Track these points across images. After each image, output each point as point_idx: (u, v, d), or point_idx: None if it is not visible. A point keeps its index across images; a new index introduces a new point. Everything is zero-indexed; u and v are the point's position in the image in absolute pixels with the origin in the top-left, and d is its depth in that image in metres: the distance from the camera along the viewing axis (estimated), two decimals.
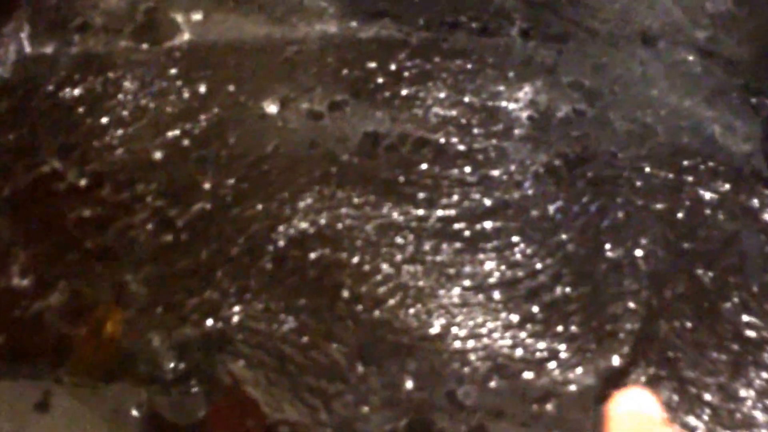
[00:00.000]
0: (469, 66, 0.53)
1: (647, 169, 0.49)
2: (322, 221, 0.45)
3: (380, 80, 0.52)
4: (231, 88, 0.50)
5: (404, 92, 0.51)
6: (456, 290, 0.43)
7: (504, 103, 0.51)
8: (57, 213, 0.44)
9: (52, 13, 0.53)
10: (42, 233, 0.43)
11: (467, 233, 0.45)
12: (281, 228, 0.44)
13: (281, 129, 0.48)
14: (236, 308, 0.41)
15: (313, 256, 0.43)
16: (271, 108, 0.50)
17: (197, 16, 0.53)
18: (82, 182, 0.45)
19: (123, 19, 0.53)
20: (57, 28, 0.52)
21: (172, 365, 0.40)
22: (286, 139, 0.48)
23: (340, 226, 0.45)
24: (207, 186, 0.45)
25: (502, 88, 0.52)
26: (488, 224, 0.46)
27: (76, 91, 0.49)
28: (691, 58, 0.55)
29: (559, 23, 0.55)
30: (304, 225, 0.44)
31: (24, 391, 0.39)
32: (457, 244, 0.45)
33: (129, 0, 0.54)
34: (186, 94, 0.50)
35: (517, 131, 0.50)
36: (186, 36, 0.53)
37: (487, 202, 0.47)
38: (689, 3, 0.57)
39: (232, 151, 0.47)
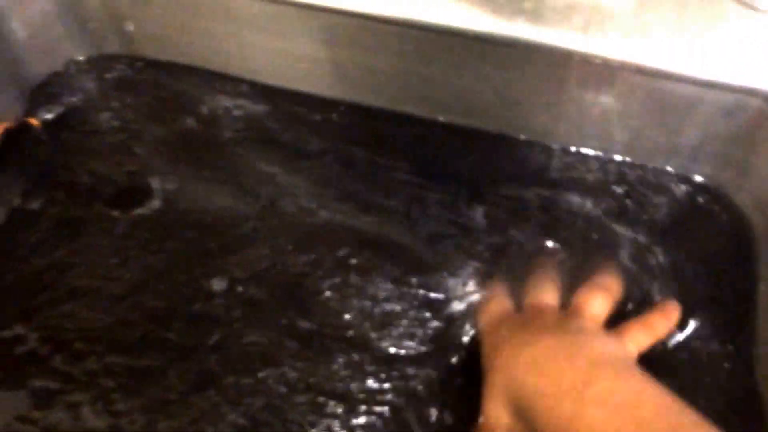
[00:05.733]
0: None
1: None
2: None
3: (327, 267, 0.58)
4: (185, 263, 0.58)
5: (350, 283, 0.58)
6: None
7: None
8: (14, 380, 0.52)
9: (45, 169, 0.62)
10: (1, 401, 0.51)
11: None
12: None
13: (224, 317, 0.55)
14: None
15: None
16: (221, 286, 0.57)
17: (172, 185, 0.61)
18: (39, 350, 0.53)
19: (106, 180, 0.61)
20: (46, 184, 0.61)
21: None
22: (229, 335, 0.55)
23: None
24: (150, 374, 0.52)
25: None
26: None
27: (47, 259, 0.57)
28: None
29: None
30: None
31: None
32: None
33: (115, 161, 0.62)
34: (144, 266, 0.57)
35: None
36: (156, 203, 0.60)
37: None
38: None
39: (178, 337, 0.54)
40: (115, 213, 0.60)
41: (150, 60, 0.68)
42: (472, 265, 0.58)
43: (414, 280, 0.58)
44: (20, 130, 0.63)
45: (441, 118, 0.65)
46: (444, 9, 0.57)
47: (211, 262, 0.58)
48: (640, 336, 0.51)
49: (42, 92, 0.66)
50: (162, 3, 0.62)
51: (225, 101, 0.66)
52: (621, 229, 0.60)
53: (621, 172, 0.62)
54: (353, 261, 0.59)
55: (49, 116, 0.65)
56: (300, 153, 0.64)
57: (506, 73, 0.57)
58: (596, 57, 0.54)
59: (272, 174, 0.63)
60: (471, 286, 0.57)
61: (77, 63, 0.68)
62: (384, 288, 0.57)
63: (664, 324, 0.53)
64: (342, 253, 0.59)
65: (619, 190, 0.61)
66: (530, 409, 0.45)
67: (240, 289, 0.57)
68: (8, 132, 0.62)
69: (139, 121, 0.65)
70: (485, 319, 0.54)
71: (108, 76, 0.67)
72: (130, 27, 0.66)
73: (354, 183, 0.63)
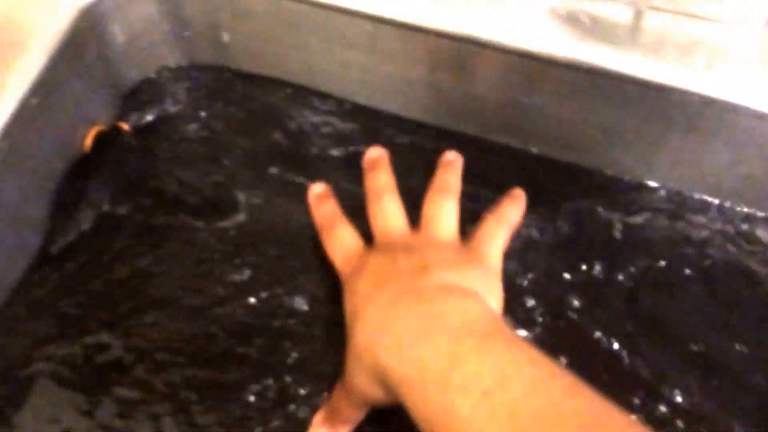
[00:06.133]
0: None
1: None
2: None
3: None
4: (267, 279, 0.57)
5: None
6: None
7: None
8: (98, 387, 0.52)
9: (133, 174, 0.62)
10: (84, 408, 0.51)
11: None
12: None
13: (304, 336, 0.54)
14: None
15: None
16: (302, 306, 0.56)
17: (257, 199, 0.61)
18: (123, 358, 0.53)
19: (192, 190, 0.61)
20: (134, 190, 0.61)
21: None
22: (309, 354, 0.54)
23: None
24: (230, 389, 0.52)
25: None
26: None
27: (131, 266, 0.57)
28: None
29: None
30: None
31: None
32: None
33: (202, 171, 0.62)
34: (226, 279, 0.57)
35: None
36: (241, 217, 0.60)
37: None
38: None
39: (259, 354, 0.54)
40: (200, 224, 0.59)
41: (242, 72, 0.68)
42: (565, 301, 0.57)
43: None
44: (112, 135, 0.63)
45: (534, 150, 0.64)
46: (555, 38, 0.55)
47: (292, 280, 0.57)
48: (497, 231, 0.52)
49: (134, 97, 0.66)
50: (261, 16, 0.62)
51: (314, 117, 0.66)
52: (725, 276, 0.58)
53: (728, 219, 0.60)
54: None
55: (139, 122, 0.65)
56: None
57: (616, 110, 0.56)
58: (715, 100, 0.52)
59: (356, 194, 0.62)
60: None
61: (170, 70, 0.68)
62: None
63: (515, 211, 0.55)
64: None
65: (723, 237, 0.59)
66: (400, 396, 0.42)
67: (321, 308, 0.56)
68: (100, 135, 0.62)
69: (227, 133, 0.65)
70: (339, 255, 0.54)
71: (199, 85, 0.67)
72: (226, 38, 0.65)
73: None
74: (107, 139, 0.62)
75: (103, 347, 0.53)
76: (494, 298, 0.49)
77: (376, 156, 0.60)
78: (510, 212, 0.55)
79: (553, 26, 0.56)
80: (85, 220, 0.59)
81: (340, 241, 0.55)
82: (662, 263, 0.58)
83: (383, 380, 0.44)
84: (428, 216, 0.53)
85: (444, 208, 0.54)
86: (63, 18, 0.57)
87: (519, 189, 0.57)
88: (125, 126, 0.64)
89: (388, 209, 0.55)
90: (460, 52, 0.58)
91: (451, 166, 0.58)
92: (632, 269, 0.58)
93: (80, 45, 0.59)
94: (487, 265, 0.51)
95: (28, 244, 0.58)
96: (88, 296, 0.56)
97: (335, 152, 0.64)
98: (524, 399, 0.37)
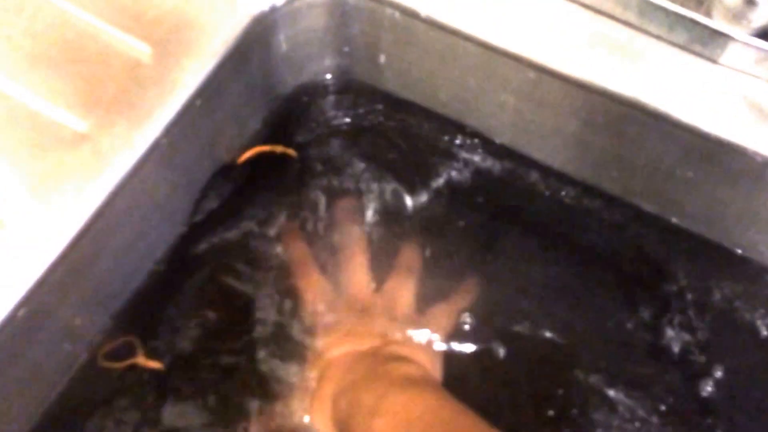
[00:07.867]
0: None
1: None
2: None
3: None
4: None
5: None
6: None
7: None
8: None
9: (285, 191, 0.64)
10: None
11: None
12: None
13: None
14: None
15: None
16: None
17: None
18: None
19: None
20: (282, 211, 0.63)
21: None
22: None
23: None
24: None
25: None
26: None
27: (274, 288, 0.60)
28: None
29: None
30: None
31: None
32: None
33: None
34: None
35: None
36: None
37: None
38: None
39: None
40: None
41: (392, 95, 0.69)
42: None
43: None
44: (278, 159, 0.65)
45: (674, 220, 0.63)
46: (729, 119, 0.55)
47: None
48: (444, 320, 0.59)
49: (284, 105, 0.68)
50: (423, 45, 0.63)
51: (459, 153, 0.67)
52: None
53: None
54: None
55: (287, 132, 0.66)
56: (517, 225, 0.64)
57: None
58: None
59: (483, 228, 0.64)
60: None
61: (323, 82, 0.69)
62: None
63: (465, 300, 0.60)
64: None
65: None
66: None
67: None
68: (264, 155, 0.64)
69: (373, 163, 0.66)
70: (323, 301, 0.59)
71: (349, 102, 0.69)
72: (383, 59, 0.66)
73: (567, 275, 0.63)
74: (271, 162, 0.64)
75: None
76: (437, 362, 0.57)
77: (350, 207, 0.63)
78: (461, 301, 0.60)
79: (728, 107, 0.55)
80: (229, 231, 0.61)
81: (320, 289, 0.60)
82: None
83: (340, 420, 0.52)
84: (390, 293, 0.59)
85: (403, 289, 0.60)
86: (236, 24, 0.59)
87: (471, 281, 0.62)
88: (292, 153, 0.65)
89: (358, 270, 0.60)
90: (620, 114, 0.58)
91: (414, 249, 0.62)
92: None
93: (247, 51, 0.60)
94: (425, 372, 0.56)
95: (166, 239, 0.60)
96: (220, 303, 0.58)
97: (472, 194, 0.65)
98: (418, 420, 0.48)
